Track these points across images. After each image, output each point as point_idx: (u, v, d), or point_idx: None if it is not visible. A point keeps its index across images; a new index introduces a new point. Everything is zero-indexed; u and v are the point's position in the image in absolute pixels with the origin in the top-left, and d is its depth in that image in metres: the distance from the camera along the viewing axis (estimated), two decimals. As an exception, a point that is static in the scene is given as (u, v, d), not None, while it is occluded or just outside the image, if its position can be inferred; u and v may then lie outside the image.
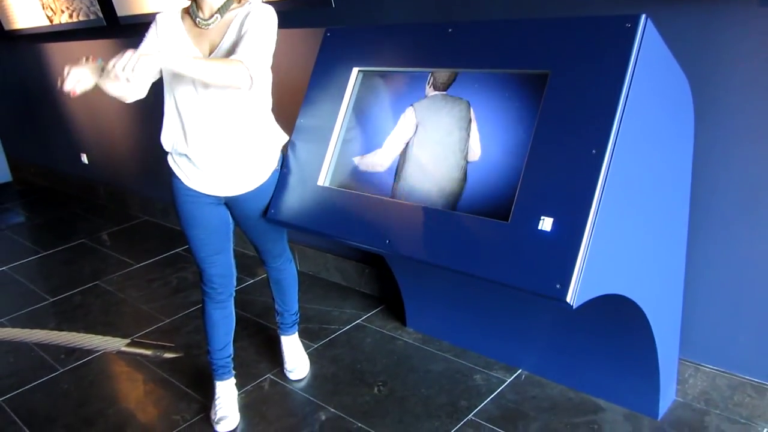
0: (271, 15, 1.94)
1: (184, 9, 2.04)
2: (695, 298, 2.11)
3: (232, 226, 2.22)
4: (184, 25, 2.00)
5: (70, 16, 4.37)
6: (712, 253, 2.04)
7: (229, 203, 2.14)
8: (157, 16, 2.05)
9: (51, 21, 4.61)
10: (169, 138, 2.06)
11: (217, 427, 2.28)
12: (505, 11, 2.24)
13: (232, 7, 1.96)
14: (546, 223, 1.53)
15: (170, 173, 2.11)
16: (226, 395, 2.35)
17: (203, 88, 1.93)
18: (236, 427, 2.30)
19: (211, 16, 1.95)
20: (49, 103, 5.33)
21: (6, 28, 5.25)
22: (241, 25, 1.92)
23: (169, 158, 2.11)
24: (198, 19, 1.97)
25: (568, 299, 1.45)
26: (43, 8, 4.58)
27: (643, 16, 1.53)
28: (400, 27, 2.06)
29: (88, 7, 4.14)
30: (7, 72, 5.75)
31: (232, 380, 2.38)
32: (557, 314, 2.22)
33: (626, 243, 1.66)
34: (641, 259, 1.78)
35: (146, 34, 2.04)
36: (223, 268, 2.22)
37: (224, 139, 2.00)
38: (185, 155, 2.04)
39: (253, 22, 1.89)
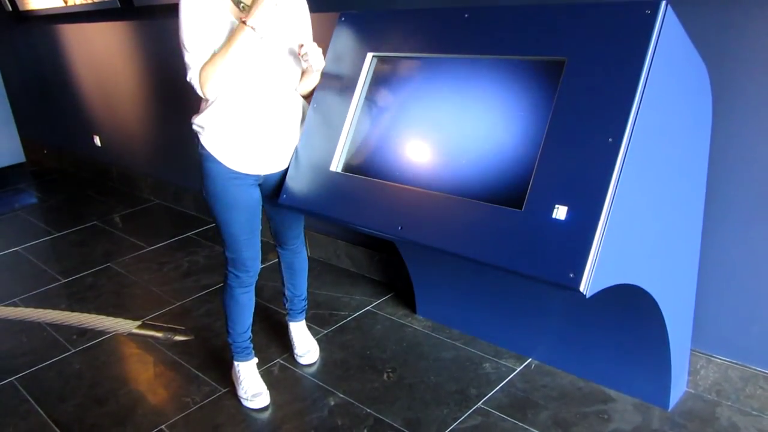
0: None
1: None
2: (708, 288, 2.09)
3: (261, 207, 2.23)
4: (222, 7, 1.94)
5: (84, -3, 4.36)
6: (727, 244, 2.02)
7: (262, 183, 2.17)
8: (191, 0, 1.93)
9: (65, 2, 4.61)
10: (218, 117, 2.00)
11: (251, 404, 2.33)
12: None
13: None
14: (560, 212, 1.52)
15: (206, 159, 2.05)
16: (253, 375, 2.38)
17: (267, 69, 2.00)
18: (270, 403, 2.33)
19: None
20: (63, 84, 5.34)
21: (21, 8, 5.26)
22: (287, 15, 2.02)
23: (207, 142, 2.03)
24: (241, 4, 1.94)
25: (581, 288, 1.44)
26: (58, -10, 4.58)
27: (663, 2, 1.50)
28: (415, 12, 2.04)
29: (102, -11, 4.14)
30: (22, 53, 5.77)
31: (255, 360, 2.42)
32: (568, 303, 2.21)
33: (641, 233, 1.64)
34: (655, 249, 1.76)
35: (195, 15, 1.91)
36: (255, 250, 2.23)
37: (276, 117, 2.07)
38: (233, 133, 2.01)
39: (308, 26, 2.14)
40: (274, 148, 2.10)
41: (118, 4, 4.08)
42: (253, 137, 2.04)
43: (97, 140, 5.24)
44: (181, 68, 1.97)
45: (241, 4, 1.95)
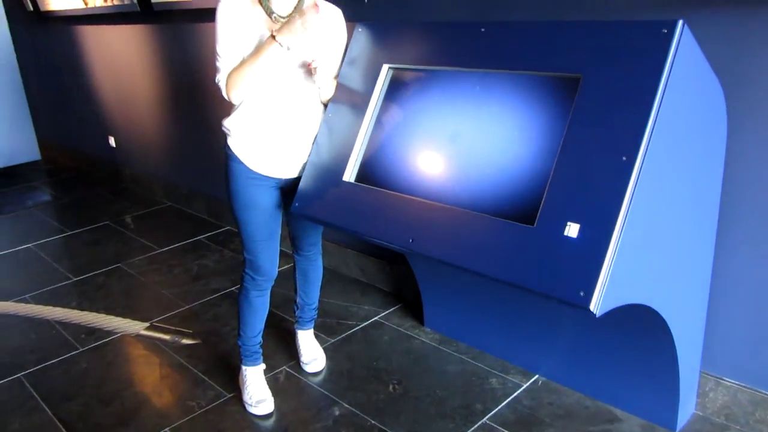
0: (346, 33, 2.17)
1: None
2: (719, 310, 2.07)
3: (281, 211, 2.25)
4: (256, 16, 1.98)
5: (105, 0, 4.41)
6: (739, 267, 2.00)
7: (283, 186, 2.19)
8: (223, 3, 1.95)
9: (86, 3, 4.66)
10: (244, 121, 2.06)
11: (255, 410, 2.32)
12: (538, 12, 2.22)
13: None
14: (572, 229, 1.51)
15: (230, 159, 2.11)
16: (259, 380, 2.39)
17: (294, 78, 2.03)
18: (273, 410, 2.33)
19: (290, 13, 1.98)
20: (80, 85, 5.39)
21: (42, 9, 5.32)
22: (322, 30, 2.05)
23: (233, 143, 2.10)
24: (275, 15, 1.97)
25: (591, 307, 1.43)
26: (79, -9, 4.63)
27: (681, 22, 1.50)
28: (431, 25, 2.04)
29: (123, -8, 4.18)
30: (41, 52, 5.83)
31: (263, 366, 2.42)
32: (577, 321, 2.20)
33: (653, 253, 1.63)
34: (667, 269, 1.75)
35: (226, 25, 1.95)
36: (272, 254, 2.24)
37: (299, 124, 2.10)
38: (258, 137, 2.07)
39: (341, 42, 2.17)
40: (294, 153, 2.13)
41: (138, 7, 4.12)
42: (276, 142, 2.08)
43: (112, 141, 5.28)
44: (212, 70, 2.04)
45: (274, 15, 1.97)
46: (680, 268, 1.83)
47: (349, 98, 2.14)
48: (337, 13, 2.12)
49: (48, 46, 5.67)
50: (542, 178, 1.62)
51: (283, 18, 1.98)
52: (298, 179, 2.18)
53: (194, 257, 3.77)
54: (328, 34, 2.10)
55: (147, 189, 5.05)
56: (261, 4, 1.98)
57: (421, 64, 2.02)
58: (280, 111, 2.05)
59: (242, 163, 2.10)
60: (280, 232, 2.25)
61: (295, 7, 1.98)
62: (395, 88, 2.08)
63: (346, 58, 2.19)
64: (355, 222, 1.99)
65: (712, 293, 2.06)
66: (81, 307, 3.22)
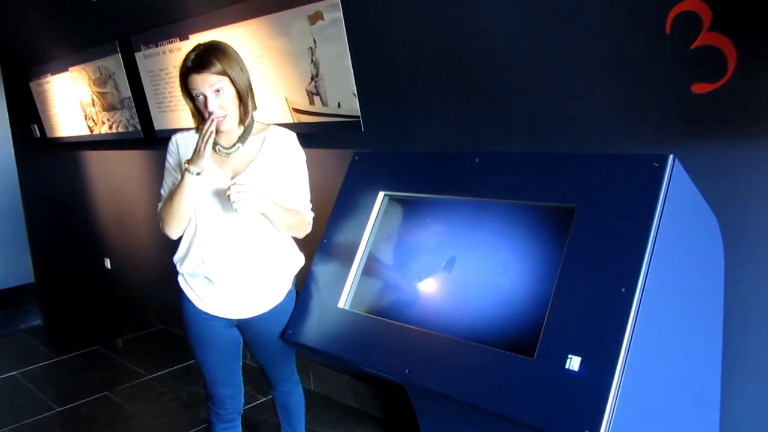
0: (302, 153, 2.05)
1: (201, 130, 2.01)
2: (732, 447, 1.97)
3: (242, 345, 2.17)
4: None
5: (110, 127, 4.56)
6: (747, 396, 1.93)
7: (241, 325, 2.10)
8: (174, 137, 2.06)
9: (91, 131, 4.82)
10: (184, 259, 2.04)
11: None
12: (532, 144, 2.28)
13: (252, 133, 2.00)
14: (574, 362, 1.46)
15: (181, 295, 2.08)
16: None
17: (230, 212, 1.92)
18: None
19: (233, 144, 1.98)
20: (80, 207, 5.46)
21: (48, 135, 5.49)
22: (267, 157, 1.97)
23: (181, 280, 2.09)
24: (218, 147, 1.97)
25: (597, 447, 1.36)
26: (86, 119, 4.80)
27: (671, 156, 1.53)
28: (427, 154, 2.09)
29: (128, 120, 4.33)
30: (44, 176, 5.96)
31: None
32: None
33: (658, 386, 1.58)
34: (674, 402, 1.68)
35: (167, 157, 2.05)
36: (232, 388, 2.16)
37: (245, 262, 1.99)
38: (200, 276, 2.02)
39: (293, 164, 2.01)
40: (246, 292, 2.02)
41: (142, 135, 4.26)
42: (221, 281, 1.99)
43: (107, 263, 5.28)
44: None
45: (218, 147, 1.97)
46: (687, 399, 1.76)
47: (345, 224, 2.15)
48: (284, 138, 2.02)
49: (51, 170, 5.80)
50: (540, 308, 1.60)
51: (227, 150, 1.97)
52: (261, 318, 2.06)
53: (184, 384, 3.65)
54: (273, 160, 1.98)
55: (141, 311, 4.98)
56: None
57: (416, 192, 2.04)
58: (220, 247, 1.97)
59: (189, 300, 2.05)
60: (240, 364, 2.17)
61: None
62: (391, 216, 2.09)
63: (342, 185, 2.22)
64: (349, 351, 1.94)
65: (722, 423, 1.97)
66: (62, 440, 3.08)
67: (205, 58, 1.85)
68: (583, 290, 1.52)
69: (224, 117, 1.90)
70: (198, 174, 1.88)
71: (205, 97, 1.87)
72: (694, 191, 1.67)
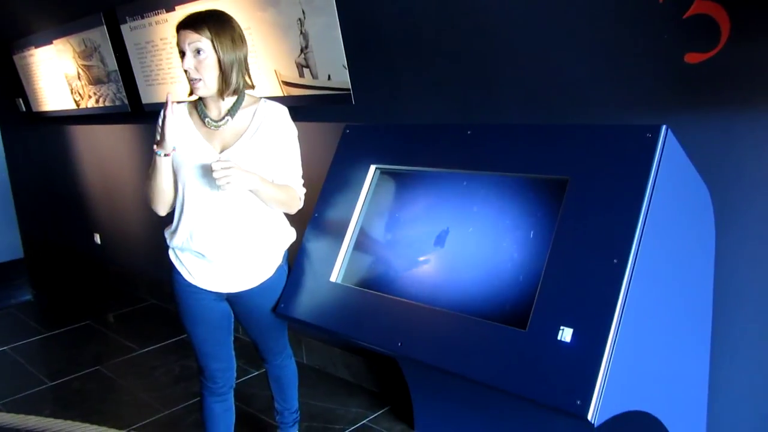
0: (293, 128, 2.01)
1: (191, 103, 2.03)
2: (719, 414, 2.00)
3: (233, 319, 2.17)
4: (193, 121, 1.99)
5: (97, 101, 4.50)
6: (737, 366, 1.95)
7: (231, 299, 2.10)
8: (162, 110, 2.00)
9: (78, 105, 4.75)
10: (173, 233, 2.03)
11: None
12: (524, 116, 2.27)
13: (242, 106, 1.98)
14: (566, 334, 1.47)
15: (171, 268, 2.08)
16: None
17: (217, 188, 1.90)
18: None
19: (222, 117, 1.96)
20: (68, 182, 5.41)
21: (34, 109, 5.41)
22: (258, 131, 1.94)
23: (171, 253, 2.08)
24: (207, 119, 1.96)
25: (589, 417, 1.37)
26: (72, 93, 4.73)
27: (664, 127, 1.53)
28: (419, 127, 2.08)
29: (115, 94, 4.27)
30: (30, 151, 5.89)
31: None
32: (575, 426, 2.11)
33: (649, 356, 1.59)
34: (664, 373, 1.70)
35: (157, 128, 2.02)
36: (223, 362, 2.16)
37: (233, 237, 1.97)
38: (189, 250, 2.01)
39: (284, 139, 1.98)
40: (236, 267, 2.01)
41: (129, 108, 4.20)
42: (210, 255, 1.98)
43: (97, 238, 5.25)
44: None
45: (207, 119, 1.96)
46: (678, 371, 1.78)
47: (336, 198, 2.14)
48: (275, 112, 1.98)
49: (38, 145, 5.73)
50: (533, 280, 1.60)
51: (216, 123, 1.95)
52: (251, 292, 2.06)
53: (176, 357, 3.65)
54: (263, 135, 1.95)
55: (131, 286, 4.97)
56: (197, 110, 1.99)
57: (408, 165, 2.03)
58: (208, 222, 1.95)
59: (180, 273, 2.05)
60: (231, 338, 2.18)
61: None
62: (382, 189, 2.08)
63: (334, 159, 2.20)
64: (342, 324, 1.95)
65: (710, 395, 2.00)
66: (55, 415, 3.07)
67: (196, 17, 1.86)
68: (575, 262, 1.52)
69: (198, 80, 1.88)
70: (166, 155, 1.89)
71: (184, 54, 1.86)
72: (687, 162, 1.67)
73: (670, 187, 1.55)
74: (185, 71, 1.87)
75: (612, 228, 1.49)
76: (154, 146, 1.90)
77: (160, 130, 1.87)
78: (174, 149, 1.91)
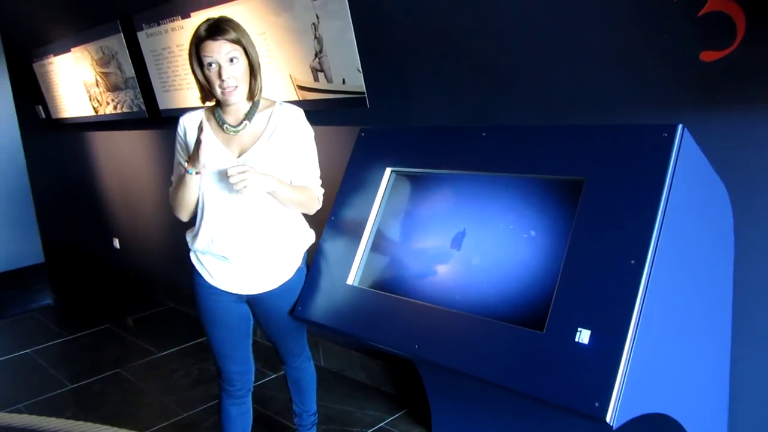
0: (309, 129, 2.03)
1: (208, 109, 2.05)
2: (740, 416, 1.98)
3: (252, 323, 2.19)
4: (211, 127, 2.00)
5: (115, 107, 4.55)
6: (757, 369, 1.93)
7: (251, 301, 2.11)
8: (182, 119, 2.05)
9: (96, 111, 4.81)
10: (195, 237, 2.05)
11: None
12: (539, 117, 2.26)
13: (258, 110, 1.99)
14: (583, 336, 1.47)
15: (192, 270, 2.10)
16: None
17: (235, 193, 1.92)
18: None
19: (239, 122, 1.97)
20: (87, 188, 5.47)
21: (54, 116, 5.49)
22: (274, 133, 1.96)
23: (192, 256, 2.10)
24: (225, 125, 1.97)
25: (607, 419, 1.37)
26: (90, 100, 4.79)
27: (680, 126, 1.52)
28: (433, 129, 2.08)
29: (132, 100, 4.32)
30: (51, 157, 5.96)
31: None
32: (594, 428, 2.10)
33: (667, 358, 1.58)
34: (684, 375, 1.68)
35: (176, 140, 2.07)
36: (241, 365, 2.17)
37: (254, 240, 1.99)
38: (210, 253, 2.03)
39: (300, 140, 1.99)
40: (256, 269, 2.03)
41: (147, 114, 4.24)
42: (231, 258, 2.00)
43: (116, 242, 5.30)
44: None
45: (225, 125, 1.97)
46: (697, 372, 1.76)
47: (352, 201, 2.14)
48: (291, 114, 2.00)
49: (57, 151, 5.81)
50: (549, 282, 1.59)
51: (234, 128, 1.96)
52: (271, 294, 2.07)
53: (195, 361, 3.68)
54: (280, 137, 1.96)
55: (149, 290, 5.01)
56: (214, 116, 2.00)
57: (423, 168, 2.04)
58: (229, 226, 1.97)
59: (201, 275, 2.07)
60: (250, 341, 2.19)
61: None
62: (398, 192, 2.09)
63: (349, 162, 2.21)
64: (359, 327, 1.95)
65: (731, 397, 1.98)
66: (76, 417, 3.11)
67: (220, 26, 1.87)
68: (592, 263, 1.52)
69: (235, 88, 1.90)
70: (197, 173, 1.93)
71: (219, 66, 1.87)
72: (704, 161, 1.66)
73: (688, 186, 1.54)
74: (223, 80, 1.87)
75: (629, 228, 1.48)
76: (185, 164, 1.94)
77: (192, 149, 1.91)
78: (204, 166, 1.93)
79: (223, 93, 1.90)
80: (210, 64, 1.88)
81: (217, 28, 1.87)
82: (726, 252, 1.84)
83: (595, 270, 1.50)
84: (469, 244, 1.83)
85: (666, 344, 1.55)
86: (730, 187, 1.80)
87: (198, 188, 1.98)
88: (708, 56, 1.80)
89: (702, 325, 1.74)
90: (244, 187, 1.82)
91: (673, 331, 1.58)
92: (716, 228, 1.77)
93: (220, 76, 1.87)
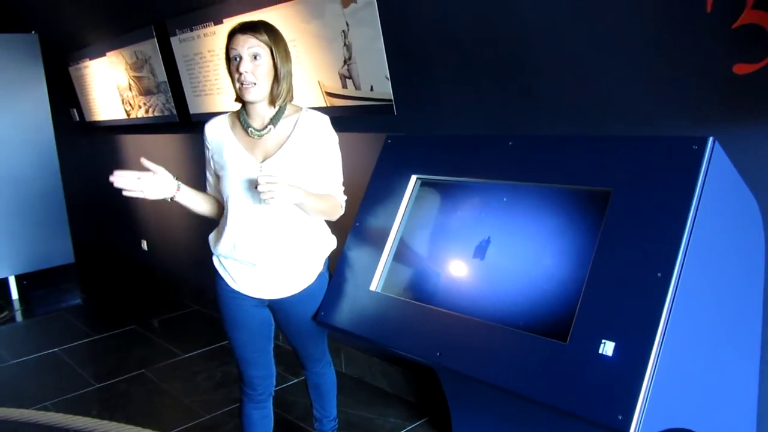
0: (334, 136, 2.03)
1: (233, 114, 2.06)
2: (769, 436, 1.94)
3: (273, 327, 2.20)
4: (234, 132, 2.02)
5: (146, 111, 4.63)
6: (788, 388, 1.89)
7: (273, 306, 2.12)
8: (206, 127, 2.08)
9: (128, 115, 4.89)
10: (217, 242, 2.08)
11: None
12: (567, 127, 2.25)
13: (284, 115, 2.00)
14: (608, 347, 1.45)
15: (215, 274, 2.12)
16: None
17: (260, 201, 1.92)
18: None
19: (264, 127, 1.98)
20: (117, 190, 5.52)
21: (87, 119, 5.60)
22: (299, 140, 1.96)
23: (215, 259, 2.12)
24: (250, 129, 1.98)
25: (630, 433, 1.35)
26: (123, 103, 4.88)
27: (711, 139, 1.50)
28: (460, 138, 2.08)
29: (164, 104, 4.39)
30: (83, 159, 6.08)
31: None
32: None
33: (693, 372, 1.55)
34: (710, 390, 1.66)
35: (205, 146, 2.11)
36: (263, 369, 2.19)
37: (276, 246, 2.00)
38: (233, 258, 2.05)
39: (325, 148, 1.99)
40: (278, 274, 2.03)
41: (177, 118, 4.31)
42: (253, 263, 2.02)
43: (144, 244, 5.38)
44: None
45: (250, 129, 1.98)
46: (724, 388, 1.73)
47: (377, 208, 2.15)
48: (317, 121, 1.99)
49: (90, 153, 5.92)
50: (574, 292, 1.58)
51: (259, 132, 1.97)
52: (292, 299, 2.08)
53: (218, 363, 3.71)
54: (305, 143, 1.96)
55: (175, 292, 5.07)
56: (239, 120, 2.01)
57: (449, 176, 2.04)
58: (251, 232, 1.98)
59: (223, 279, 2.09)
60: (272, 346, 2.20)
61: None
62: (423, 199, 2.09)
63: (375, 169, 2.22)
64: (381, 334, 1.95)
65: (759, 413, 1.94)
66: (101, 416, 3.15)
67: (256, 23, 1.91)
68: (617, 274, 1.50)
69: (253, 85, 1.90)
70: (171, 199, 2.11)
71: (240, 59, 1.89)
72: (735, 175, 1.63)
73: (717, 199, 1.52)
74: (240, 74, 1.88)
75: (656, 241, 1.47)
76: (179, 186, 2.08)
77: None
78: (179, 187, 2.08)
79: (240, 88, 1.91)
80: (234, 58, 1.90)
81: (250, 23, 1.90)
82: (756, 267, 1.81)
83: (621, 282, 1.49)
84: (493, 253, 1.83)
85: (691, 358, 1.52)
86: (762, 201, 1.77)
87: (193, 202, 2.11)
88: (741, 69, 1.78)
89: (729, 339, 1.71)
90: (272, 198, 1.80)
91: (699, 345, 1.56)
92: (746, 242, 1.74)
93: (238, 69, 1.89)
